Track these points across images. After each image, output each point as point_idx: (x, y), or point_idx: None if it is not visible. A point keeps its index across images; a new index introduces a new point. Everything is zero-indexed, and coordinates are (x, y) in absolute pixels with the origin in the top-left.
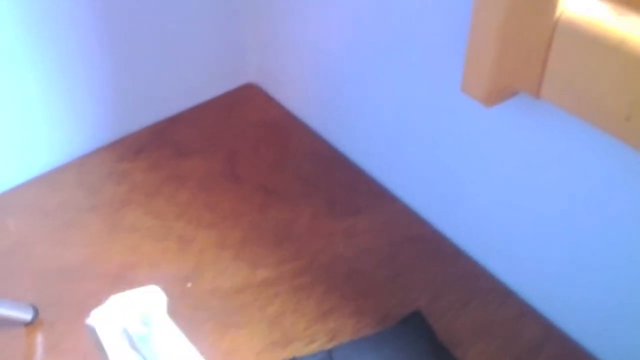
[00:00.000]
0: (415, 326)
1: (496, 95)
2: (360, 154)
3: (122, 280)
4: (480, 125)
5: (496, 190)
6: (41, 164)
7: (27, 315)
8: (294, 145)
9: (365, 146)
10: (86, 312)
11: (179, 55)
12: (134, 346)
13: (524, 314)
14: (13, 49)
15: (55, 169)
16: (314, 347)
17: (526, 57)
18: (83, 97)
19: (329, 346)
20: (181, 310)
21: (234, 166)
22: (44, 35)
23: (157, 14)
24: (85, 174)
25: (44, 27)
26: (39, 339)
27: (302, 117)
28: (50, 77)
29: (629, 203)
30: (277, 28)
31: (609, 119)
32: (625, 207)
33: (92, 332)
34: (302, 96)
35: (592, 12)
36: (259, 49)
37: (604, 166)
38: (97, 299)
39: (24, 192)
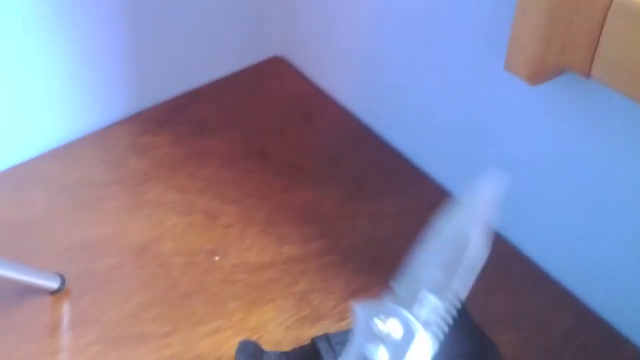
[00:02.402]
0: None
1: (542, 73)
2: (392, 131)
3: (146, 254)
4: (522, 104)
5: (542, 174)
6: (60, 136)
7: (53, 284)
8: (320, 122)
9: (398, 123)
10: (111, 283)
11: (201, 26)
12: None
13: (559, 299)
14: (37, 19)
15: (75, 141)
16: (344, 325)
17: (577, 35)
18: (105, 68)
19: None
20: (209, 283)
21: (259, 143)
22: (68, 4)
23: None
24: (107, 147)
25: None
26: (65, 308)
27: (331, 91)
28: (72, 48)
29: None
30: None
31: None
32: None
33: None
34: (331, 70)
35: None
36: (286, 20)
37: None
38: (122, 271)
39: (45, 164)
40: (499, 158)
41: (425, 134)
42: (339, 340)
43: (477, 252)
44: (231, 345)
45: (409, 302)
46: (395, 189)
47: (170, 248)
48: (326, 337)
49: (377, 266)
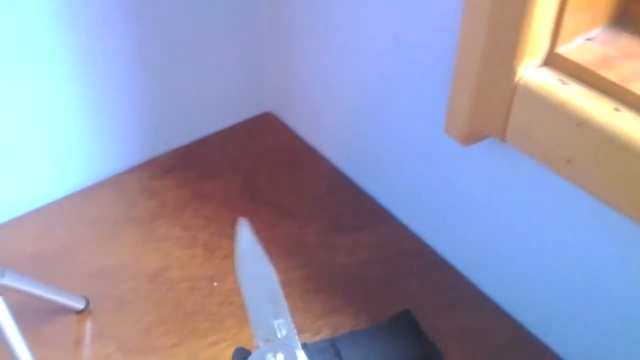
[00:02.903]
0: (404, 322)
1: (471, 137)
2: (365, 179)
3: (156, 280)
4: (461, 161)
5: (476, 212)
6: (82, 180)
7: (80, 304)
8: (305, 170)
9: (370, 172)
10: (127, 304)
11: (202, 86)
12: None
13: (497, 318)
14: (55, 75)
15: (94, 184)
16: (320, 337)
17: (494, 110)
18: (119, 121)
19: (332, 337)
20: (209, 304)
21: (252, 187)
22: (86, 68)
23: (184, 50)
24: (121, 189)
25: (87, 60)
26: (88, 325)
27: (314, 144)
28: (92, 105)
29: (578, 231)
30: (291, 64)
31: (554, 161)
32: (575, 234)
33: None
34: (314, 126)
35: (543, 80)
36: (276, 82)
37: (555, 199)
38: (137, 294)
39: (68, 204)
40: (449, 202)
41: (393, 182)
42: (315, 347)
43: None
44: (227, 354)
45: (274, 336)
46: (368, 227)
47: (176, 275)
48: (304, 346)
49: (350, 289)
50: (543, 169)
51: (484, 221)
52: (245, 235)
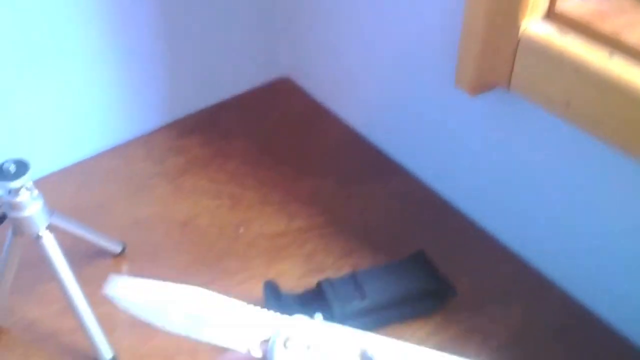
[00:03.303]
0: (420, 260)
1: (479, 87)
2: (380, 136)
3: (187, 226)
4: (470, 111)
5: (484, 158)
6: (114, 139)
7: (117, 248)
8: (321, 129)
9: (384, 129)
10: (162, 249)
11: (222, 52)
12: None
13: (501, 255)
14: (90, 43)
15: (125, 143)
16: (340, 274)
17: (500, 61)
18: (148, 85)
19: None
20: (238, 247)
21: (271, 146)
22: (117, 36)
23: (203, 17)
24: (150, 148)
25: (118, 28)
26: (125, 268)
27: (330, 106)
28: (124, 70)
29: (578, 170)
30: (306, 30)
31: (555, 105)
32: (575, 173)
33: None
34: (330, 89)
35: (544, 32)
36: (291, 48)
37: (556, 141)
38: (170, 240)
39: (102, 160)
40: (456, 151)
41: (404, 135)
42: (338, 281)
43: None
44: (257, 290)
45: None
46: (381, 178)
47: (205, 222)
48: (328, 279)
49: (367, 234)
50: (545, 113)
51: (491, 167)
52: None
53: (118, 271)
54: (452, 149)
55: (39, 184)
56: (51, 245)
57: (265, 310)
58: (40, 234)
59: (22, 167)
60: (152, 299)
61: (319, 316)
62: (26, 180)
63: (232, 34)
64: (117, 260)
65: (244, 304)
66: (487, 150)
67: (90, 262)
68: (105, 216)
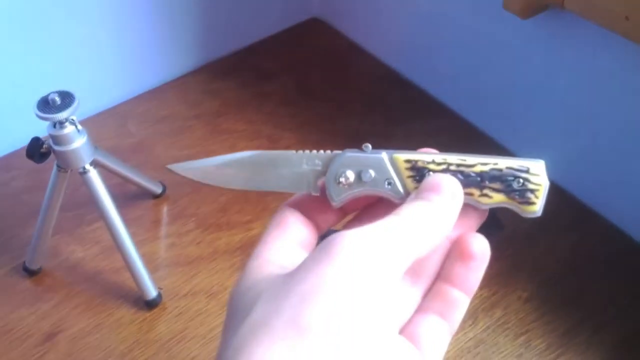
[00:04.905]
0: None
1: (530, 9)
2: (416, 73)
3: None
4: (519, 37)
5: (537, 89)
6: (150, 82)
7: (158, 189)
8: (355, 68)
9: (420, 65)
10: (203, 188)
11: None
12: None
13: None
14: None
15: (161, 86)
16: None
17: None
18: (182, 27)
19: None
20: None
21: (306, 86)
22: None
23: None
24: (186, 90)
25: None
26: (166, 208)
27: (362, 44)
28: (157, 15)
29: (630, 88)
30: None
31: (613, 20)
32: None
33: None
34: (361, 27)
35: None
36: None
37: (612, 60)
38: None
39: (139, 103)
40: (503, 79)
41: (445, 73)
42: None
43: None
44: None
45: None
46: (420, 117)
47: None
48: None
49: None
50: (601, 31)
51: (544, 100)
52: None
53: (159, 212)
54: (501, 80)
55: None
56: (97, 180)
57: (315, 151)
58: (86, 167)
59: (67, 98)
60: (212, 162)
61: (367, 146)
62: (72, 112)
63: None
64: (158, 201)
65: (295, 151)
66: (539, 79)
67: (132, 203)
68: (144, 157)
